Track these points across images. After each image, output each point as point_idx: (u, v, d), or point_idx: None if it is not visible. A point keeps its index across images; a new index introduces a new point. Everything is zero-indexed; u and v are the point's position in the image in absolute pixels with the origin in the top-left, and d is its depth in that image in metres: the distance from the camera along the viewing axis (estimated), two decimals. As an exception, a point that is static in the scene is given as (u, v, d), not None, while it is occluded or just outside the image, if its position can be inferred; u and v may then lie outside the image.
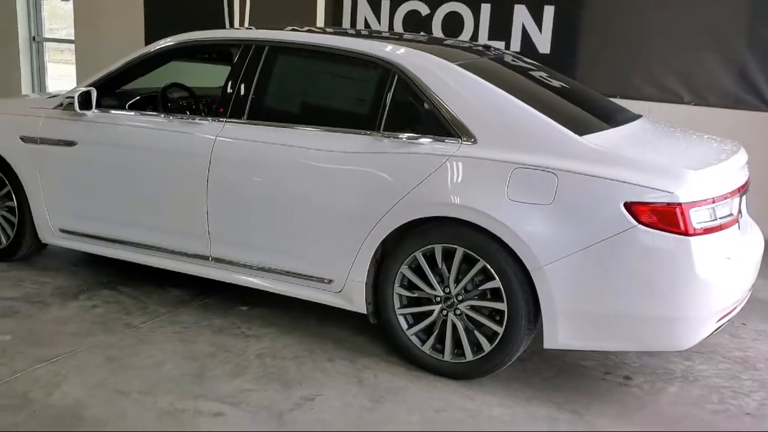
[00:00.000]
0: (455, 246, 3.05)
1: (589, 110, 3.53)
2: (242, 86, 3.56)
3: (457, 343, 3.14)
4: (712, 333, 2.98)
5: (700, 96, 5.03)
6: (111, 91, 3.98)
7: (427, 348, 3.19)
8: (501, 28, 5.51)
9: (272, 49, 3.58)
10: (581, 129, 3.07)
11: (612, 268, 2.85)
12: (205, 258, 3.65)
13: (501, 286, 2.98)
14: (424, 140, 3.16)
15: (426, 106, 3.22)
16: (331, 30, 4.28)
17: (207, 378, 3.08)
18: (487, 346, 3.06)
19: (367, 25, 6.00)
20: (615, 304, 2.87)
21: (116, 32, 7.22)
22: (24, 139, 4.05)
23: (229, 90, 3.59)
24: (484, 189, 2.99)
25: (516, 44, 5.47)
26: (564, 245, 2.86)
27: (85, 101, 3.81)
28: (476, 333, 3.09)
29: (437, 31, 5.73)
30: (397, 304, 3.22)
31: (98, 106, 3.85)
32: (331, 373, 3.18)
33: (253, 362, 3.24)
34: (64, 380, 3.02)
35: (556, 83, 3.67)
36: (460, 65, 3.29)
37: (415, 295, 3.20)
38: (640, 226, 2.79)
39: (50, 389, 2.95)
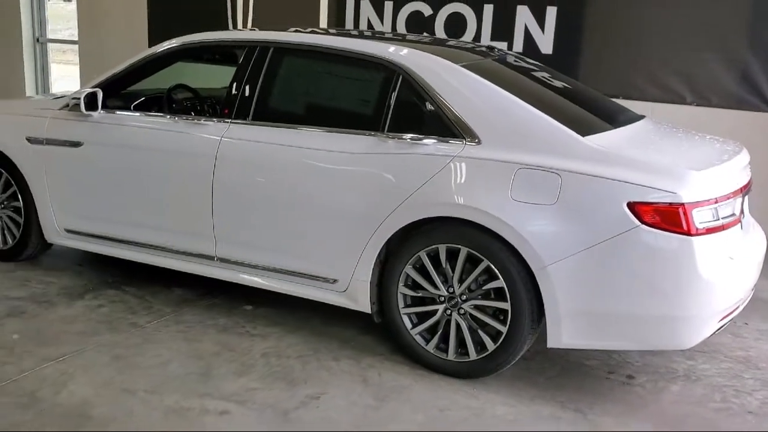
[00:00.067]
0: (459, 246, 3.07)
1: (592, 111, 3.55)
2: (247, 87, 3.58)
3: (461, 343, 3.16)
4: (714, 332, 3.00)
5: (703, 96, 5.04)
6: (116, 92, 4.00)
7: (431, 347, 3.21)
8: (504, 28, 5.52)
9: (277, 51, 3.60)
10: (584, 130, 3.09)
11: (615, 267, 2.87)
12: (210, 258, 3.67)
13: (505, 286, 3.00)
14: (429, 141, 3.18)
15: (430, 107, 3.24)
16: (334, 31, 4.30)
17: (212, 377, 3.10)
18: (491, 346, 3.08)
19: (370, 26, 6.02)
20: (618, 303, 2.89)
21: (120, 33, 7.24)
22: (30, 139, 4.07)
23: (234, 91, 3.61)
24: (488, 189, 3.01)
25: (519, 45, 5.48)
26: (567, 245, 2.88)
27: (91, 102, 3.83)
28: (480, 332, 3.11)
29: (440, 31, 5.74)
30: (401, 304, 3.25)
31: (104, 107, 3.88)
32: (336, 372, 3.20)
33: (258, 361, 3.26)
34: (71, 379, 3.04)
35: (558, 84, 3.69)
36: (464, 66, 3.31)
37: (419, 295, 3.22)
38: (643, 226, 2.81)
39: (57, 388, 2.97)
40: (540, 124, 3.08)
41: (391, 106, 3.29)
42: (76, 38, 7.83)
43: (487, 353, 3.09)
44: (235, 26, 6.58)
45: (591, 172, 2.90)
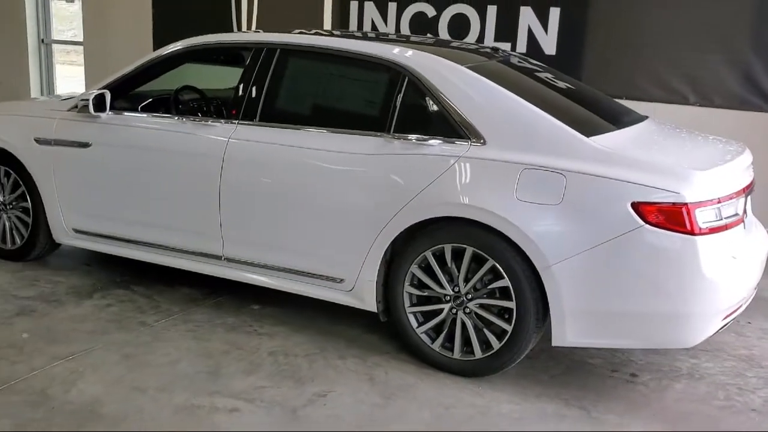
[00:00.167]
0: (465, 246, 3.10)
1: (595, 112, 3.58)
2: (254, 89, 3.61)
3: (466, 341, 3.19)
4: (717, 331, 3.03)
5: (706, 97, 5.07)
6: (124, 93, 4.04)
7: (436, 346, 3.24)
8: (507, 29, 5.55)
9: (284, 52, 3.63)
10: (589, 130, 3.12)
11: (619, 267, 2.90)
12: (217, 257, 3.71)
13: (510, 285, 3.03)
14: (434, 141, 3.22)
15: (436, 108, 3.27)
16: (338, 33, 4.33)
17: (221, 375, 3.14)
18: (496, 344, 3.11)
19: (373, 27, 6.05)
20: (622, 302, 2.92)
21: (124, 34, 7.28)
22: (38, 140, 4.11)
23: (241, 92, 3.65)
24: (493, 189, 3.04)
25: (522, 46, 5.51)
26: (572, 244, 2.91)
27: (99, 103, 3.87)
28: (485, 331, 3.14)
29: (443, 33, 5.77)
30: (407, 303, 3.28)
31: (112, 108, 3.91)
32: (343, 370, 3.23)
33: (266, 360, 3.29)
34: (81, 377, 3.08)
35: (562, 85, 3.72)
36: (469, 68, 3.34)
37: (425, 294, 3.25)
38: (647, 226, 2.84)
39: (68, 386, 3.01)
40: (545, 125, 3.11)
41: (397, 108, 3.32)
42: (78, 39, 7.87)
43: (492, 352, 3.12)
44: (239, 28, 6.61)
45: (595, 173, 2.93)
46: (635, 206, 2.85)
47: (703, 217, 2.86)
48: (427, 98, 3.29)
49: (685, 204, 2.82)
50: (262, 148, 3.53)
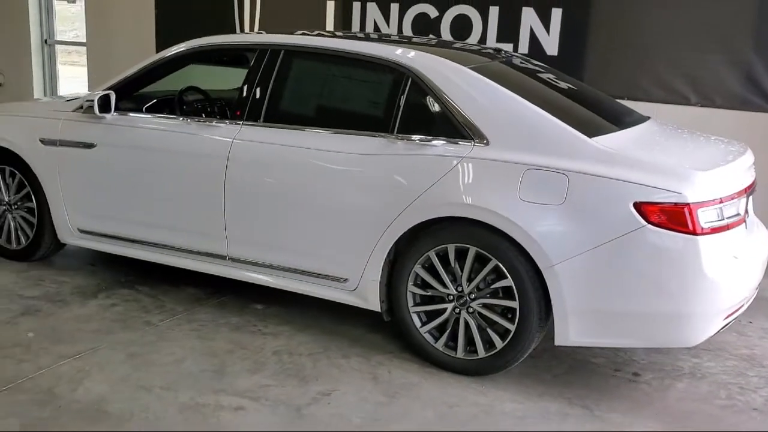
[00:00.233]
0: (468, 245, 3.12)
1: (598, 112, 3.60)
2: (258, 89, 3.64)
3: (469, 341, 3.21)
4: (719, 330, 3.05)
5: (707, 97, 5.08)
6: (129, 94, 4.06)
7: (440, 345, 3.26)
8: (509, 30, 5.57)
9: (288, 53, 3.65)
10: (591, 131, 3.14)
11: (622, 266, 2.92)
12: (222, 257, 3.73)
13: (513, 285, 3.05)
14: (437, 142, 3.24)
15: (439, 108, 3.29)
16: (341, 34, 4.35)
17: (226, 374, 3.16)
18: (499, 344, 3.13)
19: (376, 28, 6.06)
20: (625, 301, 2.94)
21: (127, 35, 7.29)
22: (43, 141, 4.13)
23: (245, 93, 3.67)
24: (496, 190, 3.06)
25: (524, 46, 5.53)
26: (575, 244, 2.93)
27: (104, 104, 3.89)
28: (488, 330, 3.16)
29: (446, 33, 5.78)
30: (410, 303, 3.30)
31: (116, 109, 3.93)
32: (347, 369, 3.25)
33: (270, 359, 3.31)
34: (87, 376, 3.10)
35: (565, 85, 3.74)
36: (472, 69, 3.36)
37: (428, 294, 3.27)
38: (649, 226, 2.85)
39: (74, 385, 3.03)
40: (548, 126, 3.13)
41: (401, 108, 3.34)
42: (80, 39, 7.88)
43: (495, 351, 3.14)
44: (242, 28, 6.63)
45: (598, 173, 2.95)
46: (637, 206, 2.87)
47: (705, 217, 2.88)
48: (430, 99, 3.31)
49: (687, 204, 2.84)
50: (266, 148, 3.55)
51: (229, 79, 4.31)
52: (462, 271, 3.16)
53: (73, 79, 8.99)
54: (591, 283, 2.94)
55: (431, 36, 5.68)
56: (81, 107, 4.04)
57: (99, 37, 7.51)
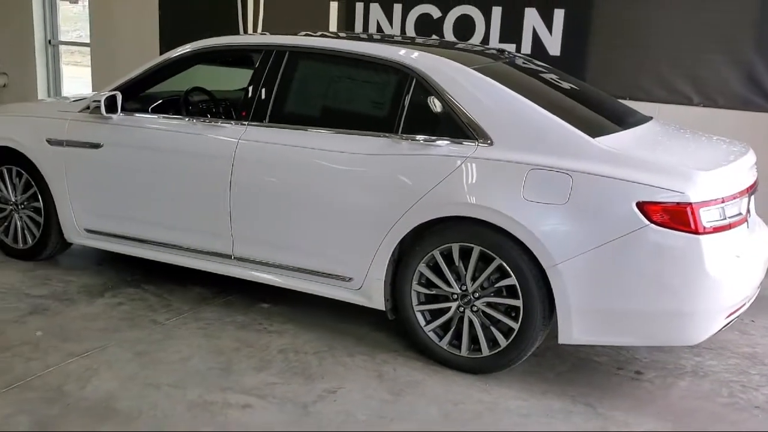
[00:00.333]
0: (472, 245, 3.15)
1: (600, 113, 3.63)
2: (264, 90, 3.67)
3: (473, 339, 3.23)
4: (721, 329, 3.07)
5: (709, 98, 5.10)
6: (135, 95, 4.09)
7: (444, 343, 3.29)
8: (512, 31, 5.59)
9: (293, 54, 3.68)
10: (594, 131, 3.17)
11: (624, 265, 2.94)
12: (227, 257, 3.76)
13: (517, 284, 3.08)
14: (441, 142, 3.27)
15: (443, 109, 3.32)
16: (344, 34, 4.38)
17: (233, 372, 3.19)
18: (503, 342, 3.16)
19: (379, 28, 6.09)
20: (627, 300, 2.96)
21: (131, 35, 7.32)
22: (50, 141, 4.16)
23: (251, 94, 3.70)
24: (500, 189, 3.09)
25: (527, 47, 5.55)
26: (578, 244, 2.96)
27: (110, 105, 3.92)
28: (492, 329, 3.18)
29: (449, 34, 5.81)
30: (415, 302, 3.33)
31: (123, 109, 3.96)
32: (352, 367, 3.28)
33: (276, 357, 3.35)
34: (95, 374, 3.13)
35: (567, 86, 3.77)
36: (476, 69, 3.39)
37: (432, 293, 3.30)
38: (652, 225, 2.88)
39: (83, 383, 3.06)
40: (551, 126, 3.16)
41: (405, 109, 3.37)
42: (83, 39, 7.90)
43: (499, 349, 3.17)
44: (245, 29, 6.65)
45: (601, 173, 2.97)
46: (640, 206, 2.90)
47: (707, 217, 2.91)
48: (434, 99, 3.34)
49: (690, 204, 2.87)
50: (271, 148, 3.58)
51: (234, 79, 4.33)
52: (466, 270, 3.19)
53: (77, 79, 9.01)
54: (594, 281, 2.97)
55: (434, 36, 5.70)
56: (88, 108, 4.07)
57: (103, 37, 7.54)
